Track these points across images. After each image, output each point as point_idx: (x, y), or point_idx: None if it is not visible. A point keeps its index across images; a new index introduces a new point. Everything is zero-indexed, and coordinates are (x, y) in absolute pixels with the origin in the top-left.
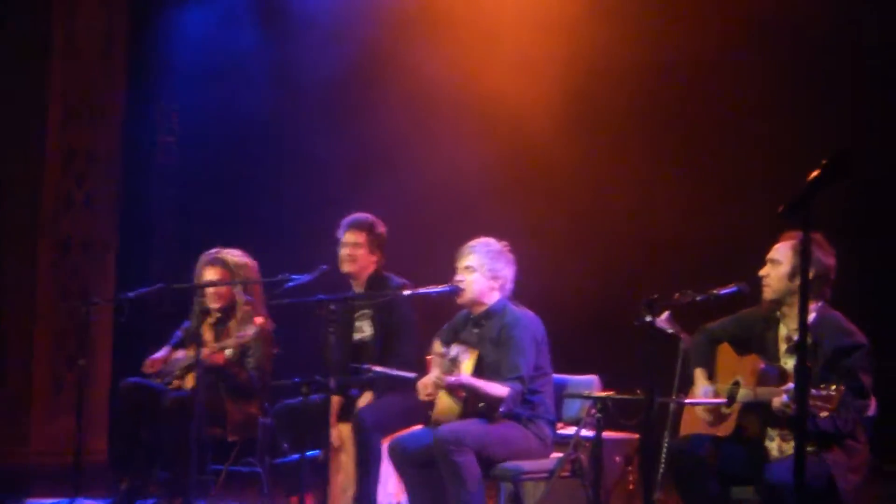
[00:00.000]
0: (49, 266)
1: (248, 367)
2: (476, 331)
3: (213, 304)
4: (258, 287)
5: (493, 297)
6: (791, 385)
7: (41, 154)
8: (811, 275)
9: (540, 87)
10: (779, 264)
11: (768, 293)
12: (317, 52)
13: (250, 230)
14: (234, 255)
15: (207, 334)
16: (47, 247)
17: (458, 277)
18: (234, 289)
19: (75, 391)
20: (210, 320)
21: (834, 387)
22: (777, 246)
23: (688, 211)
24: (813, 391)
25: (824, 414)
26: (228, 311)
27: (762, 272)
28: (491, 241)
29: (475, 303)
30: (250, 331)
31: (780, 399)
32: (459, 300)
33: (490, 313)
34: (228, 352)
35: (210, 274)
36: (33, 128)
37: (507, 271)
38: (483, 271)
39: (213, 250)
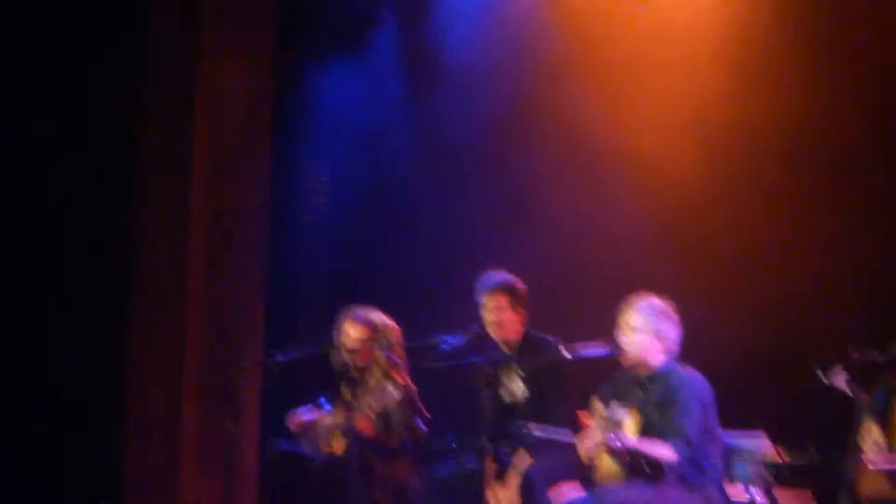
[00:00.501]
0: (197, 328)
1: (396, 431)
2: (641, 394)
3: (354, 362)
4: (402, 349)
5: (658, 359)
6: None
7: (185, 214)
8: None
9: (695, 143)
10: None
11: None
12: (466, 102)
13: (396, 289)
14: (377, 315)
15: (346, 394)
16: (195, 309)
17: (622, 338)
18: (377, 349)
19: (224, 455)
20: (347, 383)
21: None
22: None
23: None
24: None
25: None
26: (366, 370)
27: None
28: (655, 299)
29: (640, 363)
30: (396, 395)
31: None
32: (624, 361)
33: (656, 377)
34: (376, 421)
35: (352, 331)
36: (178, 190)
37: (673, 332)
38: (648, 332)
39: (355, 308)
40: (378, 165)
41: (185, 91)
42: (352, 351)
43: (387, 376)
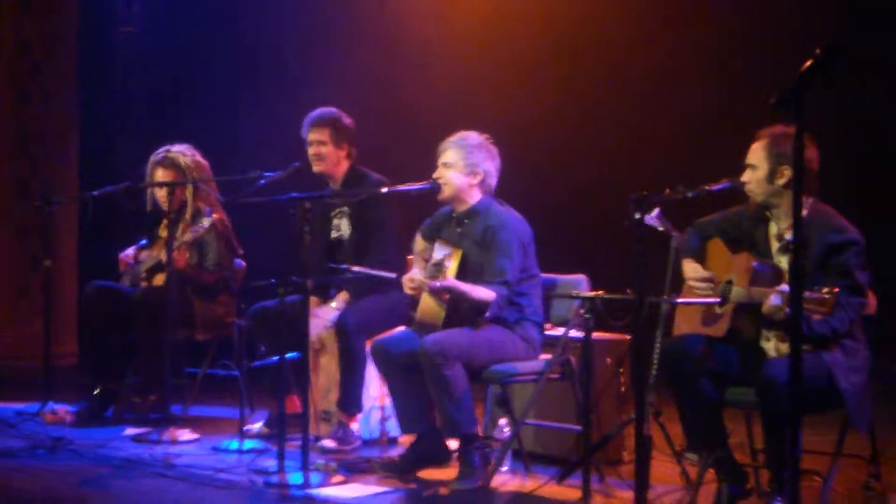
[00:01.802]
0: (7, 163)
1: (209, 266)
2: (459, 230)
3: (166, 207)
4: (211, 185)
5: (474, 195)
6: (784, 287)
7: None
8: (790, 172)
9: None
10: (755, 168)
11: (753, 198)
12: None
13: (219, 124)
14: (184, 155)
15: (162, 231)
16: (4, 143)
17: (436, 174)
18: (185, 190)
19: (42, 293)
20: (165, 222)
21: (827, 289)
22: (751, 148)
23: (677, 105)
24: (806, 293)
25: (818, 317)
26: (180, 212)
27: (743, 178)
28: (470, 134)
29: (456, 200)
30: (206, 224)
31: (772, 300)
32: (440, 197)
33: (473, 212)
34: (186, 254)
35: (160, 175)
36: None
37: (489, 165)
38: (460, 167)
39: (162, 149)
40: None
41: None
42: (159, 193)
43: (197, 211)
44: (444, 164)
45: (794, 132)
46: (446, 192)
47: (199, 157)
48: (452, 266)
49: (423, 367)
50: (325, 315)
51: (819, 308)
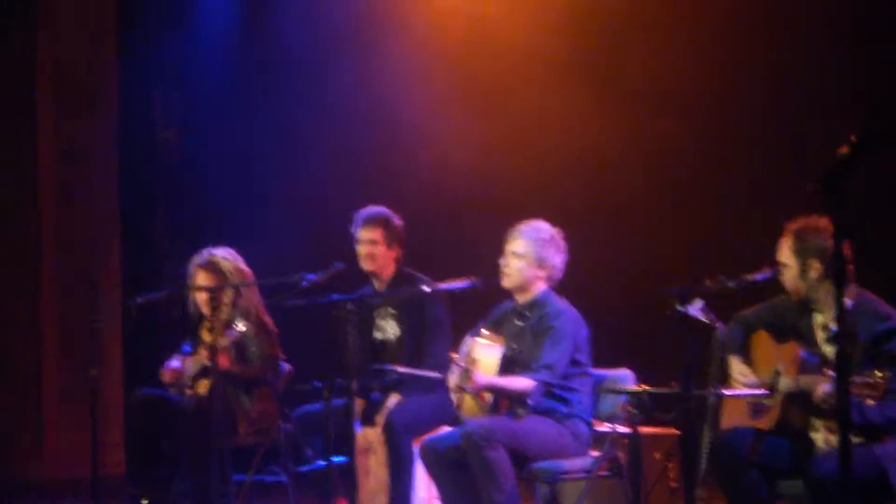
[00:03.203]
0: (52, 272)
1: (253, 361)
2: (519, 323)
3: (207, 311)
4: (254, 290)
5: (538, 287)
6: (832, 373)
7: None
8: (822, 267)
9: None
10: (786, 266)
11: (792, 295)
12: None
13: (260, 228)
14: (226, 259)
15: (205, 336)
16: (50, 248)
17: (501, 261)
18: (226, 294)
19: (88, 402)
20: (207, 326)
21: (879, 373)
22: (779, 246)
23: (717, 197)
24: (856, 378)
25: (870, 402)
26: (218, 311)
27: (781, 277)
28: (543, 225)
29: (519, 289)
30: (244, 326)
31: (822, 388)
32: (503, 284)
33: (535, 303)
34: (231, 355)
35: (202, 279)
36: (27, 126)
37: (557, 259)
38: (530, 259)
39: (205, 252)
40: (237, 100)
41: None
42: (200, 297)
43: (237, 314)
44: (514, 254)
45: (817, 224)
46: (510, 282)
47: (240, 263)
48: (490, 362)
49: (466, 451)
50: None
51: (871, 393)
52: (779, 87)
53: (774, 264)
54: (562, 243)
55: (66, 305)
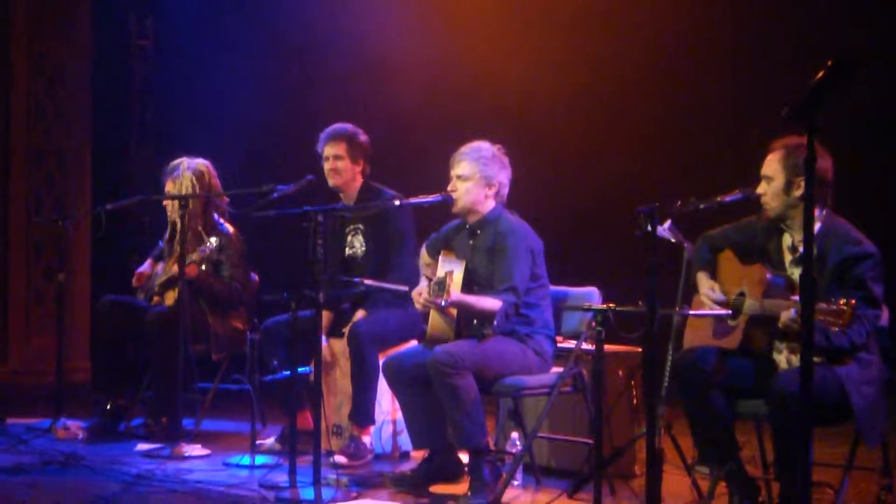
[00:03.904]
0: (22, 179)
1: (224, 278)
2: (471, 241)
3: (176, 219)
4: (223, 200)
5: (488, 205)
6: (798, 298)
7: (8, 63)
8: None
9: None
10: (771, 180)
11: (768, 211)
12: None
13: (235, 137)
14: (198, 170)
15: (175, 245)
16: (19, 159)
17: (450, 186)
18: (197, 203)
19: (54, 307)
20: (178, 237)
21: (844, 301)
22: (767, 159)
23: (689, 115)
24: (822, 305)
25: (835, 329)
26: (189, 220)
27: (759, 190)
28: (484, 144)
29: (469, 212)
30: (211, 244)
31: (788, 314)
32: (453, 209)
33: (485, 222)
34: (201, 267)
35: (172, 186)
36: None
37: (502, 176)
38: (476, 179)
39: (176, 162)
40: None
41: None
42: (170, 206)
43: (207, 224)
44: (459, 177)
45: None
46: (460, 205)
47: (212, 171)
48: (457, 279)
49: (432, 377)
50: None
51: (836, 320)
52: (753, 13)
53: (746, 186)
54: (505, 159)
55: (34, 213)
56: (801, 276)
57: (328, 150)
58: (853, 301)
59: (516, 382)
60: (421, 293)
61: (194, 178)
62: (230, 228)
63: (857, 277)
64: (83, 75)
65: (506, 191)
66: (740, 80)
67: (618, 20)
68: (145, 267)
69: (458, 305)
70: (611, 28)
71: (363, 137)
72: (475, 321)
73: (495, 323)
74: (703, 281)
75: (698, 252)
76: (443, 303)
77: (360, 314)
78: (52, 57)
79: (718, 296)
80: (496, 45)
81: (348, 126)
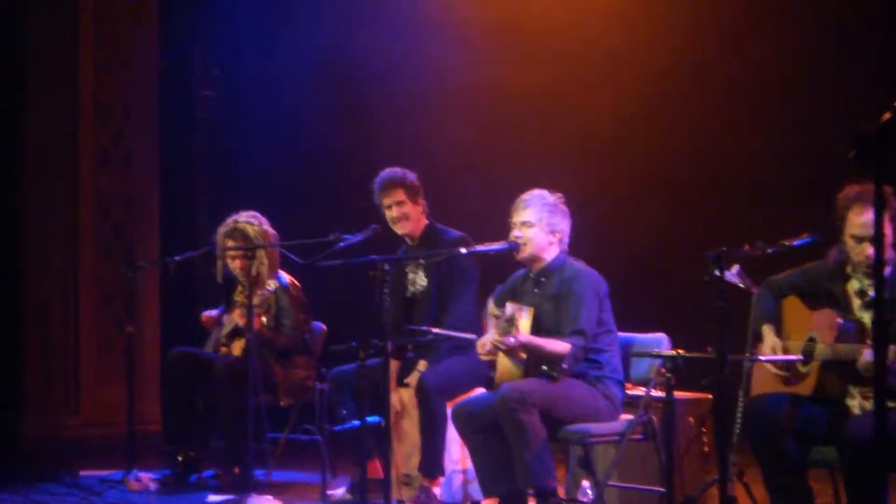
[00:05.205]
0: (91, 228)
1: (286, 330)
2: (536, 290)
3: (241, 276)
4: (274, 253)
5: (552, 253)
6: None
7: (75, 105)
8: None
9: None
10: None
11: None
12: None
13: (299, 189)
14: (252, 224)
15: (238, 297)
16: (87, 207)
17: (515, 233)
18: (257, 258)
19: (124, 359)
20: (241, 288)
21: None
22: (864, 222)
23: (755, 158)
24: None
25: None
26: (248, 274)
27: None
28: (545, 193)
29: (535, 259)
30: (270, 287)
31: (865, 357)
32: (519, 257)
33: (549, 270)
34: (263, 318)
35: (228, 240)
36: (67, 83)
37: (565, 225)
38: (542, 226)
39: (230, 220)
40: (276, 59)
41: None
42: (233, 263)
43: (266, 276)
44: (524, 223)
45: (891, 190)
46: (527, 251)
47: (266, 226)
48: (525, 322)
49: (501, 414)
50: None
51: None
52: (815, 55)
53: (812, 231)
54: (566, 209)
55: (103, 263)
56: (873, 317)
57: (388, 199)
58: None
59: (585, 429)
60: (485, 344)
61: (257, 233)
62: (287, 277)
63: None
64: (151, 122)
65: (567, 240)
66: (806, 122)
67: (682, 60)
68: (212, 312)
69: (527, 347)
70: (676, 67)
71: (413, 177)
72: (544, 365)
73: (564, 366)
74: (769, 336)
75: (762, 300)
76: (512, 340)
77: (422, 364)
78: (118, 102)
79: (789, 356)
80: (558, 81)
81: (397, 170)
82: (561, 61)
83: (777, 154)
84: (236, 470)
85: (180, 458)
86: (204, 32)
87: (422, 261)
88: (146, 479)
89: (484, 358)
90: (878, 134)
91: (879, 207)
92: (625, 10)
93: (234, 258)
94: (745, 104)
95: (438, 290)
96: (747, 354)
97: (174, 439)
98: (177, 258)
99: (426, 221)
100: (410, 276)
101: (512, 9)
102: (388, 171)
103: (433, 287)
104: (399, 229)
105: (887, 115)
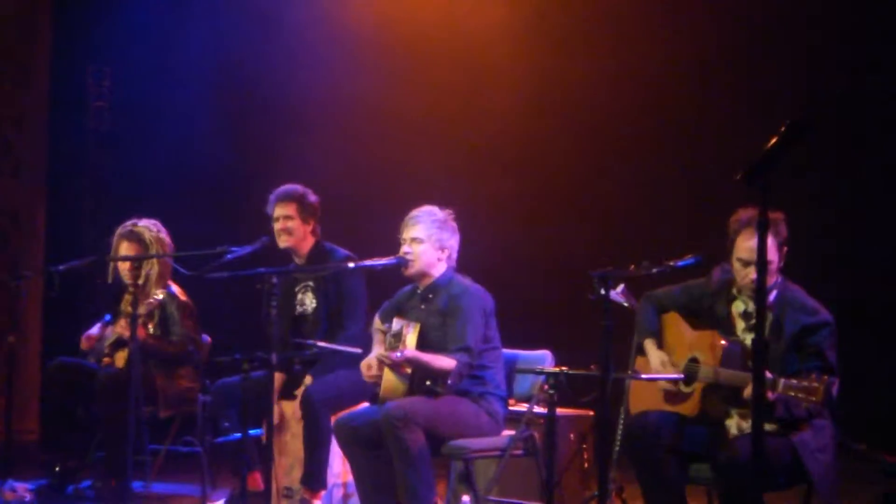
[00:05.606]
0: None
1: (173, 337)
2: (423, 306)
3: (129, 281)
4: (167, 262)
5: (440, 269)
6: (768, 375)
7: None
8: (784, 250)
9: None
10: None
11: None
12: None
13: (189, 200)
14: (150, 230)
15: (124, 306)
16: None
17: (405, 249)
18: (149, 264)
19: (4, 369)
20: (129, 297)
21: (814, 377)
22: (751, 246)
23: (643, 180)
24: (793, 381)
25: (805, 405)
26: (139, 282)
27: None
28: (435, 209)
29: (423, 275)
30: (158, 296)
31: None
32: (407, 272)
33: (437, 286)
34: (150, 328)
35: (125, 249)
36: None
37: (453, 241)
38: (431, 242)
39: (129, 223)
40: (167, 69)
41: None
42: (123, 267)
43: (156, 286)
44: (413, 239)
45: (782, 217)
46: (415, 267)
47: (163, 234)
48: (411, 337)
49: (384, 431)
50: None
51: (808, 397)
52: (709, 79)
53: (696, 252)
54: (455, 225)
55: None
56: (753, 343)
57: (278, 211)
58: (825, 377)
59: (467, 444)
60: (371, 366)
61: (152, 239)
62: (175, 288)
63: (814, 346)
64: (40, 133)
65: (455, 256)
66: (693, 146)
67: (571, 79)
68: (94, 330)
69: (413, 362)
70: (565, 86)
71: (312, 198)
72: (428, 381)
73: (449, 382)
74: (653, 352)
75: (644, 313)
76: (398, 355)
77: (308, 379)
78: (8, 113)
79: (670, 375)
80: (449, 98)
81: (298, 186)
82: (451, 78)
83: (663, 176)
84: (114, 481)
85: (57, 469)
86: (97, 44)
87: (311, 282)
88: (21, 489)
89: (369, 380)
90: (763, 158)
91: (763, 230)
92: (511, 26)
93: (125, 264)
94: (634, 125)
95: (328, 310)
96: (630, 371)
97: (52, 448)
98: (61, 268)
99: (313, 240)
100: (299, 296)
101: (403, 25)
102: (289, 186)
103: (322, 307)
104: (281, 243)
105: (774, 140)
